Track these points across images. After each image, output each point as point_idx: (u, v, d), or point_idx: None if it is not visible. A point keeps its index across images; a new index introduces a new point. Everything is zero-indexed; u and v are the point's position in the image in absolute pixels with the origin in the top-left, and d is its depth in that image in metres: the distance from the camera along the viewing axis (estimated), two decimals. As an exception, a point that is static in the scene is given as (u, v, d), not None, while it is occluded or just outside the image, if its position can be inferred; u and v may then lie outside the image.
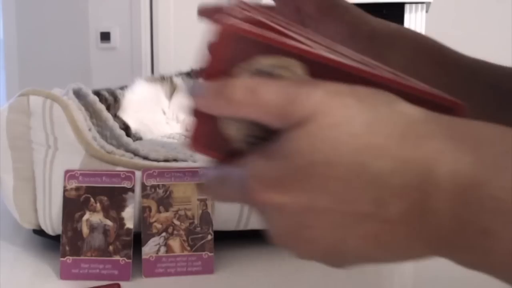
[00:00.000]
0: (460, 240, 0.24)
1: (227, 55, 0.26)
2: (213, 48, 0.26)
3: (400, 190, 0.23)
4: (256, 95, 0.25)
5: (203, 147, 0.29)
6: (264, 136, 0.26)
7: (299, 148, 0.24)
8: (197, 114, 0.28)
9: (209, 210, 0.52)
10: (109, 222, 0.50)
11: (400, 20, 1.21)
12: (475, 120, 0.25)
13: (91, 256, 0.50)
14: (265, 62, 0.26)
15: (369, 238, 0.25)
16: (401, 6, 1.18)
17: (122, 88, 0.88)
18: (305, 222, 0.25)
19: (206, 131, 0.28)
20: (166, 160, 0.56)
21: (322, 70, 0.26)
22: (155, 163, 0.54)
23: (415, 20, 1.21)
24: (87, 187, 0.51)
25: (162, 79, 0.93)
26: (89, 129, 0.55)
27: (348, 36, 0.44)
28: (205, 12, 0.41)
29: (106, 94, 0.81)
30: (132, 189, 0.51)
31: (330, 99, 0.24)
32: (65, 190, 0.51)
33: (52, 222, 0.52)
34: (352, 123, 0.24)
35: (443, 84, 0.30)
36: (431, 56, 0.46)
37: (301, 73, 0.26)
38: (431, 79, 0.30)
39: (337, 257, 0.27)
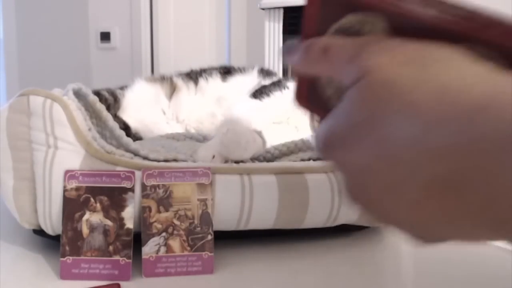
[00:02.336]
0: None
1: (318, 17, 0.29)
2: (306, 12, 0.29)
3: (448, 149, 0.22)
4: (327, 54, 0.27)
5: (307, 103, 0.32)
6: None
7: (353, 105, 0.25)
8: (300, 75, 0.31)
9: (209, 210, 0.52)
10: (109, 222, 0.50)
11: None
12: None
13: (91, 256, 0.50)
14: (352, 19, 0.28)
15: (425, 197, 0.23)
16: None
17: (122, 88, 0.88)
18: (366, 182, 0.26)
19: (308, 88, 0.31)
20: (166, 160, 0.56)
21: (406, 24, 0.26)
22: (155, 163, 0.54)
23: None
24: (87, 187, 0.51)
25: (162, 79, 0.93)
26: (89, 129, 0.55)
27: None
28: None
29: (106, 94, 0.81)
30: (132, 189, 0.51)
31: (384, 57, 0.25)
32: (65, 190, 0.51)
33: (52, 222, 0.52)
34: (397, 81, 0.24)
35: None
36: None
37: (385, 27, 0.27)
38: None
39: (420, 220, 0.25)
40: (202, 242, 0.51)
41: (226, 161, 0.58)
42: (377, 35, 0.27)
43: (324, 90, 0.30)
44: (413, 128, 0.23)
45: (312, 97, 0.31)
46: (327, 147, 0.27)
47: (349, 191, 0.28)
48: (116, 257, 0.50)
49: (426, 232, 0.25)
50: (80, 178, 0.51)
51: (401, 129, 0.23)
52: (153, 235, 0.51)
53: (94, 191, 0.51)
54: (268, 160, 0.62)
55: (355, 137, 0.25)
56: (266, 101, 0.79)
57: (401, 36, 0.26)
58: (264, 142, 0.66)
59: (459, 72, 0.23)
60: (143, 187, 0.51)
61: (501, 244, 0.61)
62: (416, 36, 0.26)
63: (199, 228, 0.51)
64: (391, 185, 0.24)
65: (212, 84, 0.92)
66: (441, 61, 0.24)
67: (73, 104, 0.55)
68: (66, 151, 0.52)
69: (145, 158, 0.55)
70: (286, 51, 0.30)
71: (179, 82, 0.93)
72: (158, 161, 0.55)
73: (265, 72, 0.93)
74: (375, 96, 0.24)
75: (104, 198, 0.51)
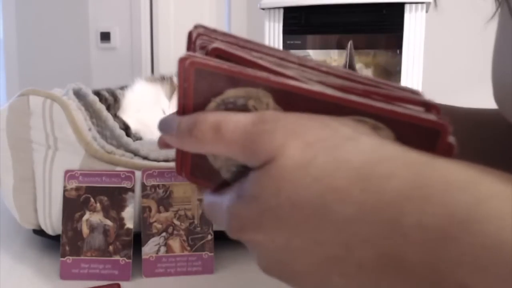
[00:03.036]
0: None
1: (194, 92, 0.26)
2: (180, 87, 0.26)
3: (369, 237, 0.22)
4: (220, 134, 0.25)
5: (191, 176, 0.30)
6: (245, 166, 0.26)
7: (265, 190, 0.24)
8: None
9: (209, 210, 0.52)
10: (109, 222, 0.50)
11: (400, 20, 1.21)
12: (458, 159, 0.23)
13: (91, 256, 0.50)
14: (234, 94, 0.26)
15: (350, 278, 0.24)
16: (401, 6, 1.18)
17: (122, 88, 0.88)
18: (285, 260, 0.25)
19: (195, 162, 0.29)
20: (166, 160, 0.56)
21: (290, 98, 0.25)
22: (155, 163, 0.54)
23: (415, 20, 1.21)
24: (87, 187, 0.51)
25: (162, 79, 0.93)
26: (89, 129, 0.55)
27: None
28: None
29: (106, 94, 0.81)
30: (132, 189, 0.51)
31: (290, 139, 0.24)
32: (65, 190, 0.51)
33: (52, 222, 0.52)
34: (312, 165, 0.23)
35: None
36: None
37: (270, 102, 0.26)
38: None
39: None
40: (202, 242, 0.51)
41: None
42: (264, 110, 0.26)
43: (211, 163, 0.28)
44: (347, 211, 0.22)
45: (197, 169, 0.29)
46: (238, 229, 0.26)
47: (262, 267, 0.27)
48: (116, 257, 0.50)
49: None
50: (80, 178, 0.51)
51: (335, 211, 0.23)
52: (153, 235, 0.51)
53: (94, 191, 0.51)
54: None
55: (271, 220, 0.24)
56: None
57: (287, 109, 0.25)
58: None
59: (372, 150, 0.23)
60: (143, 187, 0.51)
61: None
62: (303, 109, 0.25)
63: (199, 228, 0.51)
64: (320, 261, 0.24)
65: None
66: (351, 139, 0.24)
67: (73, 104, 0.55)
68: (66, 151, 0.52)
69: (145, 158, 0.55)
70: (164, 129, 0.28)
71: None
72: (158, 161, 0.55)
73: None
74: (291, 181, 0.23)
75: (104, 198, 0.51)
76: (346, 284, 0.24)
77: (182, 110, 0.27)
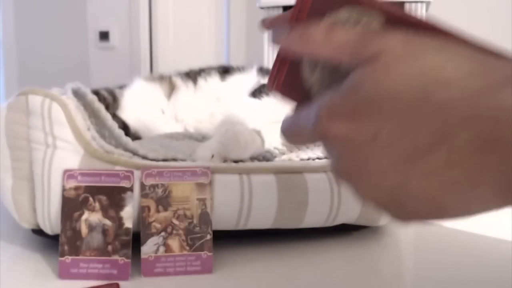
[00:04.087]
0: None
1: (314, 4, 0.29)
2: (298, 2, 0.30)
3: (467, 120, 0.23)
4: (332, 34, 0.27)
5: (283, 87, 0.32)
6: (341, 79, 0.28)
7: (367, 80, 0.25)
8: (282, 57, 0.31)
9: (208, 209, 0.52)
10: (108, 222, 0.50)
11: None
12: None
13: (90, 255, 0.50)
14: (349, 13, 0.29)
15: (433, 176, 0.24)
16: (401, 6, 1.18)
17: (121, 87, 0.88)
18: (369, 153, 0.25)
19: (289, 74, 0.31)
20: (165, 160, 0.56)
21: (398, 25, 0.27)
22: (154, 163, 0.54)
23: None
24: (86, 186, 0.51)
25: (161, 78, 0.93)
26: (88, 129, 0.55)
27: None
28: None
29: (105, 94, 0.81)
30: (131, 189, 0.51)
31: (401, 40, 0.25)
32: (64, 190, 0.51)
33: (51, 221, 0.52)
34: (421, 59, 0.24)
35: None
36: None
37: (380, 23, 0.28)
38: None
39: (400, 202, 0.25)
40: (201, 241, 0.51)
41: (225, 161, 0.58)
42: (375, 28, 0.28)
43: (307, 76, 0.30)
44: (450, 94, 0.23)
45: (289, 82, 0.31)
46: (329, 117, 0.26)
47: (341, 167, 0.27)
48: (115, 257, 0.50)
49: (428, 206, 0.25)
50: (79, 177, 0.51)
51: (437, 96, 0.23)
52: (152, 235, 0.51)
53: (93, 191, 0.51)
54: (268, 160, 0.62)
55: (365, 109, 0.25)
56: (265, 100, 0.79)
57: None
58: (263, 141, 0.66)
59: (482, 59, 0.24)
60: (142, 186, 0.51)
61: (501, 237, 0.61)
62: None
63: (198, 228, 0.51)
64: (406, 155, 0.24)
65: (211, 84, 0.92)
66: (457, 53, 0.25)
67: (72, 103, 0.55)
68: (65, 151, 0.52)
69: (144, 157, 0.55)
70: (279, 34, 0.30)
71: (178, 81, 0.92)
72: (157, 160, 0.55)
73: (264, 71, 0.93)
74: (395, 72, 0.24)
75: (103, 198, 0.51)
76: (425, 186, 0.24)
77: (296, 20, 0.30)
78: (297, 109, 0.31)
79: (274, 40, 0.30)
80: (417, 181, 0.24)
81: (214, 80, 0.92)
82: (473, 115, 0.22)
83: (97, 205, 0.50)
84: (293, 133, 0.31)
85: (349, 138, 0.26)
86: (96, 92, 0.74)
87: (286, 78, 0.31)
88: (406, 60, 0.24)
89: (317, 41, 0.28)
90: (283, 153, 0.64)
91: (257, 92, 0.81)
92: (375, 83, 0.25)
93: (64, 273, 0.49)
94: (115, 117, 0.80)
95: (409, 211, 0.26)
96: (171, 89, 0.92)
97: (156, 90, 0.90)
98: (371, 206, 0.27)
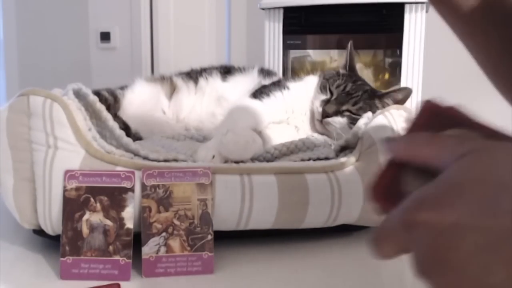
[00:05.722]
0: None
1: (426, 124, 0.33)
2: (417, 119, 0.33)
3: None
4: (436, 137, 0.30)
5: (382, 198, 0.33)
6: None
7: (457, 170, 0.26)
8: (387, 168, 0.33)
9: (209, 210, 0.52)
10: (109, 222, 0.50)
11: (400, 20, 1.21)
12: None
13: (91, 256, 0.50)
14: (454, 132, 0.32)
15: None
16: (401, 6, 1.18)
17: (122, 88, 0.88)
18: (451, 241, 0.25)
19: (390, 182, 0.33)
20: (166, 160, 0.56)
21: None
22: (155, 163, 0.54)
23: (415, 20, 1.21)
24: (87, 187, 0.51)
25: (162, 79, 0.93)
26: (89, 129, 0.55)
27: None
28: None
29: (106, 94, 0.81)
30: (132, 189, 0.51)
31: (498, 143, 0.27)
32: (65, 190, 0.51)
33: (52, 222, 0.52)
34: (504, 157, 0.26)
35: None
36: None
37: None
38: None
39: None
40: (202, 242, 0.51)
41: (226, 161, 0.58)
42: None
43: (407, 186, 0.32)
44: None
45: (389, 193, 0.33)
46: (420, 205, 0.26)
47: (425, 258, 0.26)
48: (116, 257, 0.50)
49: None
50: (80, 178, 0.51)
51: None
52: (153, 235, 0.51)
53: (94, 191, 0.51)
54: (268, 160, 0.62)
55: (455, 193, 0.25)
56: (266, 101, 0.79)
57: None
58: (263, 142, 0.66)
59: None
60: (143, 187, 0.51)
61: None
62: None
63: (199, 228, 0.51)
64: (481, 245, 0.24)
65: (212, 84, 0.92)
66: None
67: (73, 104, 0.55)
68: (66, 151, 0.52)
69: (145, 158, 0.55)
70: (398, 143, 0.32)
71: (179, 82, 0.92)
72: (158, 161, 0.55)
73: (265, 72, 0.93)
74: (487, 162, 0.26)
75: (104, 198, 0.51)
76: (508, 276, 0.23)
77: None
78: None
79: (391, 149, 0.32)
80: (500, 269, 0.23)
81: (215, 80, 0.92)
82: None
83: (98, 205, 0.51)
84: (381, 235, 0.30)
85: (429, 229, 0.25)
86: (97, 93, 0.74)
87: (386, 188, 0.33)
88: (494, 155, 0.26)
89: (421, 142, 0.30)
90: (284, 154, 0.64)
91: (258, 93, 0.81)
92: (465, 171, 0.26)
93: (65, 274, 0.49)
94: (116, 117, 0.80)
95: None
96: (172, 89, 0.92)
97: (157, 91, 0.90)
98: None
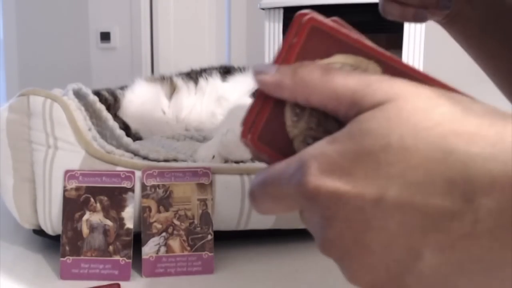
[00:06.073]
0: None
1: (304, 48, 0.25)
2: (292, 40, 0.26)
3: (499, 179, 0.18)
4: (329, 77, 0.23)
5: (257, 141, 0.27)
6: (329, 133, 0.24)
7: (372, 129, 0.21)
8: (262, 100, 0.27)
9: (209, 210, 0.52)
10: (109, 222, 0.50)
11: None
12: None
13: (91, 256, 0.50)
14: (342, 60, 0.25)
15: (451, 251, 0.19)
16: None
17: (122, 88, 0.88)
18: (370, 218, 0.21)
19: (267, 124, 0.27)
20: (166, 160, 0.56)
21: (396, 75, 0.25)
22: (155, 163, 0.54)
23: (415, 20, 1.21)
24: (87, 187, 0.51)
25: (162, 79, 0.93)
26: (89, 129, 0.55)
27: None
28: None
29: (106, 94, 0.81)
30: (132, 189, 0.51)
31: (413, 87, 0.22)
32: (65, 190, 0.51)
33: (52, 222, 0.52)
34: (435, 111, 0.21)
35: None
36: None
37: (378, 74, 0.25)
38: None
39: (403, 283, 0.21)
40: (202, 242, 0.51)
41: (226, 161, 0.58)
42: None
43: (290, 125, 0.26)
44: (476, 150, 0.19)
45: (267, 134, 0.27)
46: (321, 171, 0.22)
47: (331, 237, 0.22)
48: (116, 257, 0.50)
49: None
50: (80, 178, 0.51)
51: (459, 153, 0.20)
52: (153, 235, 0.51)
53: (94, 191, 0.51)
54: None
55: (368, 165, 0.21)
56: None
57: None
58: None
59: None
60: (143, 187, 0.51)
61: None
62: None
63: (199, 228, 0.51)
64: (419, 223, 0.20)
65: (212, 84, 0.92)
66: (472, 102, 0.22)
67: (73, 104, 0.55)
68: (66, 151, 0.52)
69: (145, 158, 0.55)
70: (265, 73, 0.25)
71: (179, 82, 0.93)
72: (158, 161, 0.55)
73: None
74: (408, 123, 0.21)
75: (104, 198, 0.51)
76: (439, 262, 0.20)
77: (282, 63, 0.26)
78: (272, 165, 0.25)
79: (257, 79, 0.26)
80: (430, 257, 0.20)
81: (215, 80, 0.92)
82: (504, 178, 0.18)
83: (98, 205, 0.51)
84: (267, 195, 0.25)
85: (346, 199, 0.21)
86: (97, 93, 0.74)
87: (265, 126, 0.27)
88: (418, 108, 0.21)
89: (311, 83, 0.23)
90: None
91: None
92: (384, 132, 0.21)
93: (65, 274, 0.49)
94: (116, 117, 0.80)
95: None
96: (172, 89, 0.92)
97: (157, 91, 0.90)
98: None
